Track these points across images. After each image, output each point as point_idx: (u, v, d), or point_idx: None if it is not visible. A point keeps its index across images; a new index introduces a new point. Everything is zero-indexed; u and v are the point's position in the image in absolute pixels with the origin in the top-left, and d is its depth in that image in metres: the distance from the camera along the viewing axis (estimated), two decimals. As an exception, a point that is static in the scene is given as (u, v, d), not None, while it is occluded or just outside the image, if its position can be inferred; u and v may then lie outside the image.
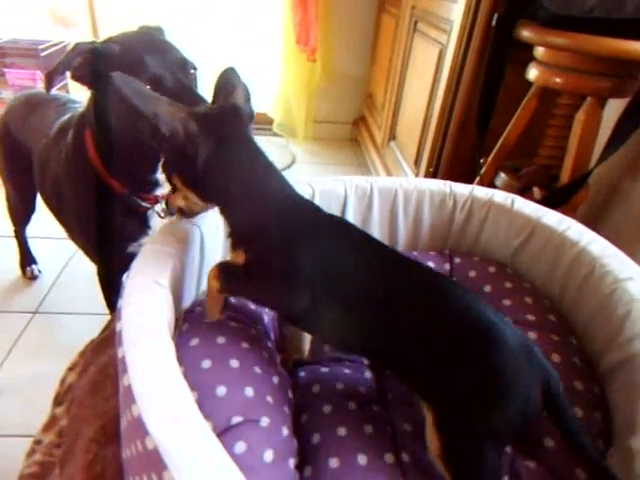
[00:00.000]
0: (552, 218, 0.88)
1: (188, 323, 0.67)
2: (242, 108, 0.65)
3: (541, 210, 0.90)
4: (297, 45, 2.40)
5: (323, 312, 0.59)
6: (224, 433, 0.52)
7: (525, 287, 0.85)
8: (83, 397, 0.57)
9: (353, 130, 2.82)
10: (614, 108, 1.16)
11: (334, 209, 0.94)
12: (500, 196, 0.95)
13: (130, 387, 0.44)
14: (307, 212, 0.65)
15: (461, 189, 0.97)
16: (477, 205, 0.95)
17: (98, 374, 0.57)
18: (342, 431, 0.60)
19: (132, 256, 0.65)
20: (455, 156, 1.52)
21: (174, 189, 0.66)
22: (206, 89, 0.80)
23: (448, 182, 0.99)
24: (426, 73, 1.65)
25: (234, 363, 0.60)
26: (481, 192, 0.96)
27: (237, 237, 0.63)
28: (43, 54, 2.29)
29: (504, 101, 1.30)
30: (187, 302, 0.74)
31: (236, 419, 0.53)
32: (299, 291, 0.58)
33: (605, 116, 1.14)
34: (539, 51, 1.14)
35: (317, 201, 0.91)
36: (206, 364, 0.58)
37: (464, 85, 1.42)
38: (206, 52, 2.73)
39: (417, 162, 1.74)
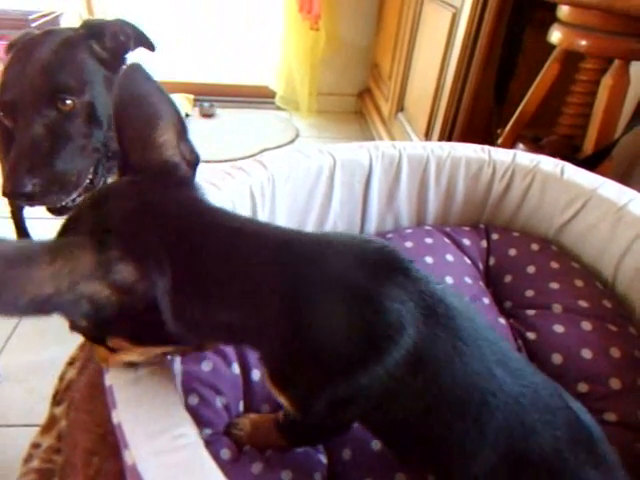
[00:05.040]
0: (610, 189, 0.79)
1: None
2: (179, 162, 0.41)
3: (598, 180, 0.81)
4: (300, 13, 2.29)
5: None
6: None
7: (574, 267, 0.77)
8: (81, 400, 0.52)
9: (358, 102, 2.72)
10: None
11: (357, 181, 0.85)
12: (548, 163, 0.86)
13: (121, 427, 0.36)
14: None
15: (502, 155, 0.88)
16: (520, 173, 0.87)
17: (97, 375, 0.52)
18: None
19: None
20: (469, 127, 1.46)
21: (111, 349, 0.41)
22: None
23: (487, 147, 0.90)
24: (437, 40, 1.56)
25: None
26: (525, 159, 0.87)
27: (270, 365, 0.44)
28: (34, 25, 2.18)
29: (522, 67, 1.22)
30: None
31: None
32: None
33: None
34: (563, 11, 1.06)
35: (338, 172, 0.81)
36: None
37: (479, 51, 1.33)
38: (204, 22, 2.62)
39: (428, 134, 1.66)
